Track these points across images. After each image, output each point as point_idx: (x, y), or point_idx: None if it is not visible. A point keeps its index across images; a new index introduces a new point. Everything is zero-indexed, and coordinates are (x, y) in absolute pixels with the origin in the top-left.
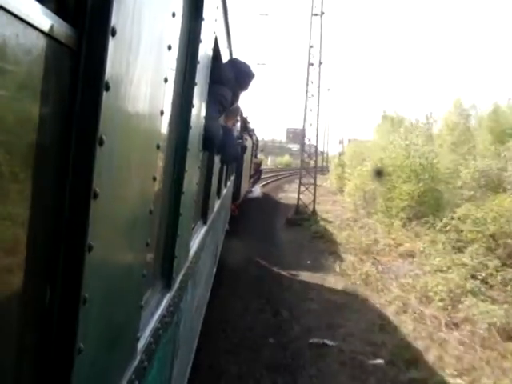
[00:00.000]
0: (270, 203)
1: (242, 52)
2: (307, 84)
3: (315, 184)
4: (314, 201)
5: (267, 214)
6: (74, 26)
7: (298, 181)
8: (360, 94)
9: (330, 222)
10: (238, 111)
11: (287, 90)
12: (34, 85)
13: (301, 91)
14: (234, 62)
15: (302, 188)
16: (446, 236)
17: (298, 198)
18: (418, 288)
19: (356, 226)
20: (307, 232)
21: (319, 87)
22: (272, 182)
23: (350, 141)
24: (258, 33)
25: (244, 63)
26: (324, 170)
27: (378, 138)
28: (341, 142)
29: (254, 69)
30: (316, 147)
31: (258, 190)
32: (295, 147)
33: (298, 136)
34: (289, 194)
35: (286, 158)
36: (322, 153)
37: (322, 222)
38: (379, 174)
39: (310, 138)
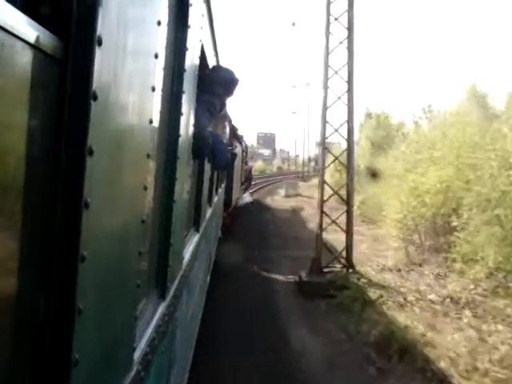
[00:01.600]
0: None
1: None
2: (328, 31)
3: (350, 214)
4: (349, 247)
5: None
6: (60, 37)
7: (281, 191)
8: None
9: (394, 291)
10: (226, 117)
11: (257, 94)
12: (21, 96)
13: (273, 90)
14: (217, 69)
15: (325, 223)
16: None
17: (319, 243)
18: None
19: (451, 301)
20: (353, 329)
21: (350, 28)
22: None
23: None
24: None
25: (227, 69)
26: (305, 177)
27: (363, 137)
28: (319, 145)
29: (237, 74)
30: (349, 139)
31: (248, 197)
32: (267, 152)
33: (268, 140)
34: (276, 214)
35: (259, 164)
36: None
37: (372, 291)
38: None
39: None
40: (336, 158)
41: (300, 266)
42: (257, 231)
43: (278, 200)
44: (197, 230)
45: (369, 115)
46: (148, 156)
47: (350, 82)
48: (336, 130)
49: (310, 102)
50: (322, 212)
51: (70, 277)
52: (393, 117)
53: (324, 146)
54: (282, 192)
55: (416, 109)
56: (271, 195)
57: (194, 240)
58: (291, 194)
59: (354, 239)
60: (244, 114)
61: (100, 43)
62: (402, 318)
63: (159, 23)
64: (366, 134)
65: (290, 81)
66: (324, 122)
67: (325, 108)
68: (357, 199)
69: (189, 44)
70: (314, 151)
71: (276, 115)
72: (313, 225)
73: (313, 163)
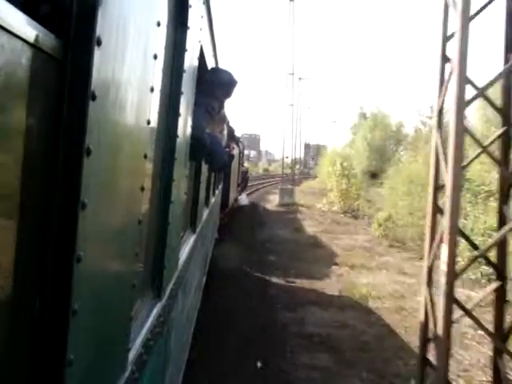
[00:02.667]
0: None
1: None
2: None
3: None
4: None
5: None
6: (59, 36)
7: (273, 198)
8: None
9: None
10: (224, 119)
11: (241, 95)
12: (19, 96)
13: (259, 89)
14: (216, 71)
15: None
16: None
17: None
18: None
19: None
20: None
21: None
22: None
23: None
24: None
25: (226, 71)
26: (295, 180)
27: (359, 138)
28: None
29: (235, 76)
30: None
31: (245, 198)
32: (252, 153)
33: (253, 142)
34: (275, 233)
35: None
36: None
37: None
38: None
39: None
40: (484, 150)
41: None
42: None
43: (272, 211)
44: (193, 231)
45: (363, 115)
46: (145, 157)
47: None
48: (482, 92)
49: (298, 97)
50: (452, 298)
51: (66, 277)
52: (391, 116)
53: (438, 120)
54: (275, 199)
55: (416, 108)
56: (263, 203)
57: (190, 241)
58: (287, 203)
59: (386, 276)
60: (228, 114)
61: (99, 43)
62: None
63: (159, 24)
64: (363, 134)
65: (279, 75)
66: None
67: (444, 39)
68: (380, 216)
69: (188, 45)
70: (297, 153)
71: (260, 116)
72: (329, 252)
73: (298, 166)
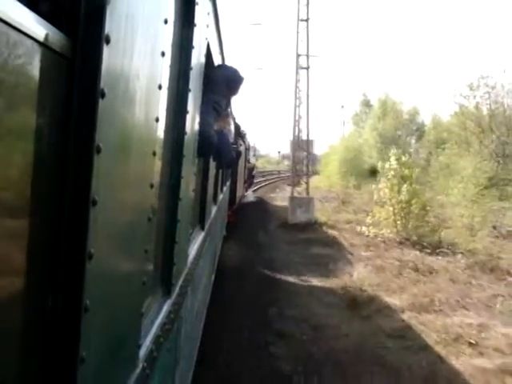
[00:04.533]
0: None
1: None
2: None
3: None
4: None
5: None
6: (68, 35)
7: (273, 207)
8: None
9: None
10: (230, 116)
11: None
12: (30, 94)
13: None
14: (222, 68)
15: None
16: None
17: None
18: None
19: None
20: None
21: None
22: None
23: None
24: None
25: (232, 68)
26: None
27: (368, 129)
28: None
29: (242, 73)
30: None
31: (251, 195)
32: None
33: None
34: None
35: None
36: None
37: None
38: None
39: None
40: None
41: None
42: None
43: (284, 240)
44: (202, 228)
45: (366, 103)
46: (154, 154)
47: None
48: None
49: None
50: None
51: (78, 274)
52: (402, 103)
53: None
54: (275, 206)
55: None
56: (262, 223)
57: (199, 238)
58: (303, 222)
59: None
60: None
61: (108, 41)
62: None
63: (166, 21)
64: (372, 124)
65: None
66: None
67: None
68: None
69: (195, 42)
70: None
71: (245, 110)
72: None
73: (286, 162)
